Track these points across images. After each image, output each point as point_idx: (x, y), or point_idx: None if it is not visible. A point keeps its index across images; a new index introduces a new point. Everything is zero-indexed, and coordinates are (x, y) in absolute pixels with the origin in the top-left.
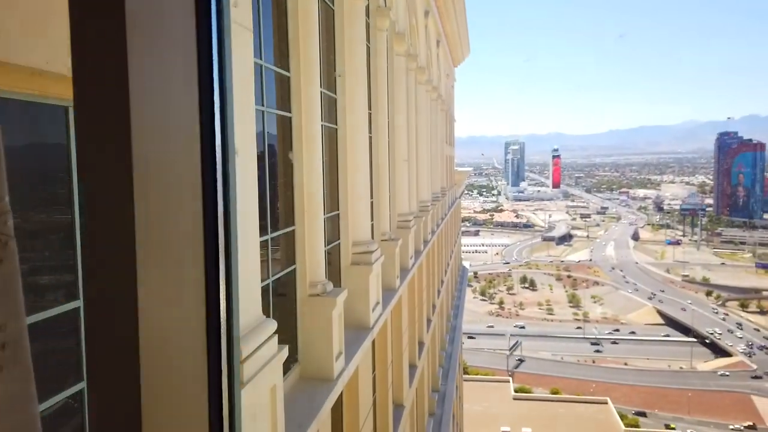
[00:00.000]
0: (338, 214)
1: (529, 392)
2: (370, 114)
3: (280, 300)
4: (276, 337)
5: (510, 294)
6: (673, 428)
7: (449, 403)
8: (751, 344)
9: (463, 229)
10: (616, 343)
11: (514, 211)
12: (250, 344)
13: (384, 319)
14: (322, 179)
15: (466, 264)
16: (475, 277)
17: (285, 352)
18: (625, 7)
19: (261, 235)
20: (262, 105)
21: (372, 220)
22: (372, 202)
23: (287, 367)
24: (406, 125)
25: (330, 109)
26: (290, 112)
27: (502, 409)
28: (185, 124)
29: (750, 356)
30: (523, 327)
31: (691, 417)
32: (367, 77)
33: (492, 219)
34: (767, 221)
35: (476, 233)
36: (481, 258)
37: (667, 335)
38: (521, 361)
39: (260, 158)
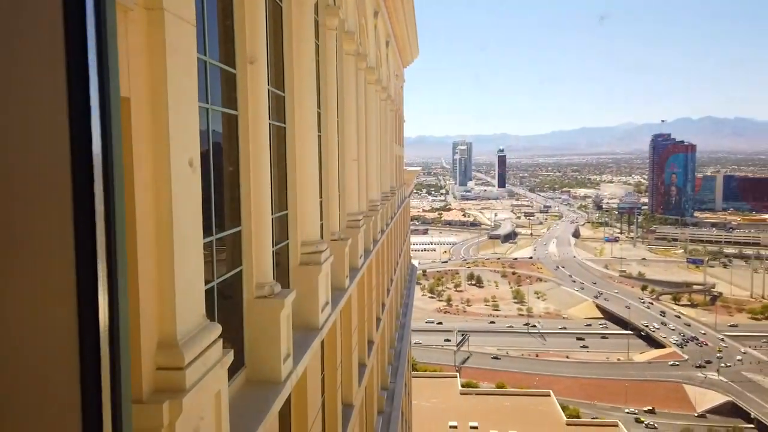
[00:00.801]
0: (286, 214)
1: (476, 387)
2: (319, 113)
3: (226, 303)
4: (221, 342)
5: (457, 291)
6: (643, 421)
7: (398, 401)
8: (683, 335)
9: (412, 227)
10: (599, 340)
11: (462, 210)
12: (192, 350)
13: (333, 320)
14: (270, 178)
15: (415, 262)
16: (424, 275)
17: (230, 356)
18: (569, 13)
19: (205, 236)
20: (207, 102)
21: (321, 219)
22: (321, 202)
23: (233, 371)
24: (355, 124)
25: (278, 107)
26: (236, 109)
27: (450, 404)
28: (49, 119)
29: (682, 347)
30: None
31: (628, 406)
32: (316, 76)
33: (440, 218)
34: (698, 219)
35: (425, 232)
36: (429, 256)
37: (605, 326)
38: (468, 356)
39: (205, 157)
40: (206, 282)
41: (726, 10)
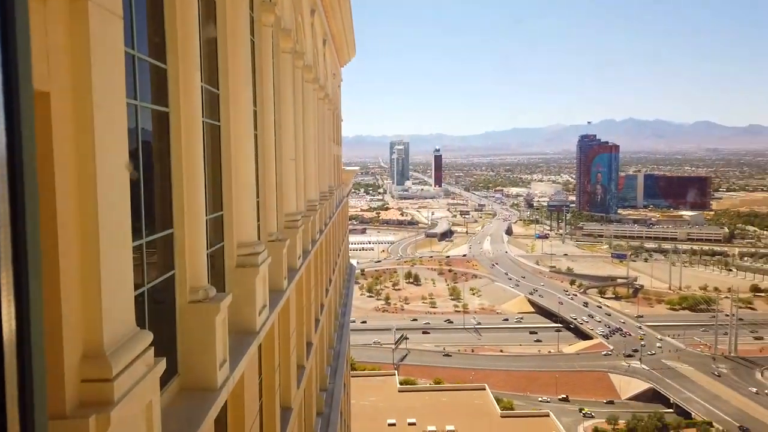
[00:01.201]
0: (222, 215)
1: (414, 384)
2: (255, 111)
3: (158, 308)
4: (152, 350)
5: (396, 289)
6: (586, 410)
7: (337, 401)
8: (609, 327)
9: (350, 227)
10: (542, 335)
11: (400, 209)
12: (121, 359)
13: (271, 322)
14: (204, 178)
15: (353, 262)
16: (363, 274)
17: (162, 364)
18: (501, 18)
19: (135, 239)
20: (136, 99)
21: (258, 220)
22: (258, 202)
23: (166, 380)
24: (293, 123)
25: (212, 105)
26: (167, 107)
27: (389, 402)
28: None
29: (607, 338)
30: (415, 320)
31: (559, 396)
32: (251, 73)
33: (378, 217)
34: (621, 216)
35: (363, 231)
36: (368, 255)
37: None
38: (407, 353)
39: (134, 156)
40: (136, 287)
41: (644, 17)
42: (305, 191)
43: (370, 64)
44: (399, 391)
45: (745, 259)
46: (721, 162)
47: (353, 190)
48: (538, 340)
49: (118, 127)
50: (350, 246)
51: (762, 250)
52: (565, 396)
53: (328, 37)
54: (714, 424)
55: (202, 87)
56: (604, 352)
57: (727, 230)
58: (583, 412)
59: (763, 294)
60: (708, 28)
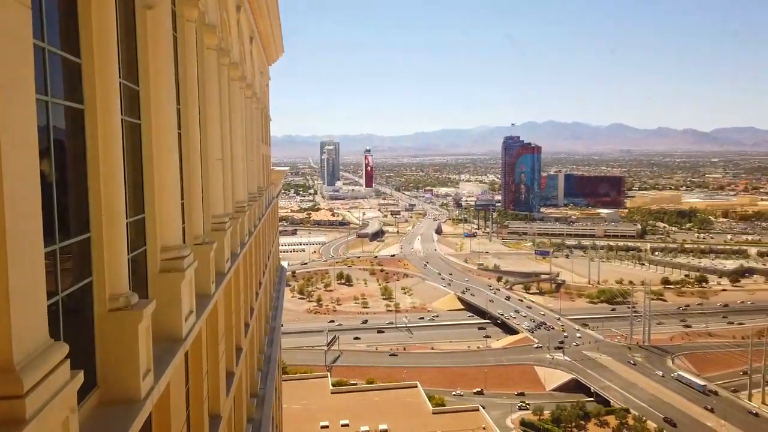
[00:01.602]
0: (144, 218)
1: (347, 385)
2: (179, 109)
3: (74, 318)
4: (68, 362)
5: (328, 291)
6: (525, 403)
7: (268, 406)
8: (534, 321)
9: (280, 228)
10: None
11: (331, 209)
12: (33, 374)
13: (198, 328)
14: (124, 180)
15: (284, 264)
16: (294, 276)
17: (80, 377)
18: (431, 21)
19: (47, 244)
20: (46, 95)
21: (183, 222)
22: (183, 204)
23: (84, 393)
24: (219, 122)
25: (132, 102)
26: (82, 103)
27: (321, 404)
28: None
29: (533, 332)
30: (340, 324)
31: (488, 390)
32: (174, 69)
33: (309, 218)
34: (543, 214)
35: (294, 232)
36: (299, 257)
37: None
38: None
39: (45, 156)
40: (50, 296)
41: (562, 26)
42: (233, 192)
43: (300, 64)
44: (332, 393)
45: (656, 253)
46: (634, 162)
47: (283, 191)
48: (487, 335)
49: (27, 124)
50: (281, 248)
51: (671, 245)
52: (480, 389)
53: (255, 34)
54: (630, 410)
55: (120, 83)
56: (536, 345)
57: (639, 227)
58: (521, 404)
59: (672, 286)
60: (620, 37)
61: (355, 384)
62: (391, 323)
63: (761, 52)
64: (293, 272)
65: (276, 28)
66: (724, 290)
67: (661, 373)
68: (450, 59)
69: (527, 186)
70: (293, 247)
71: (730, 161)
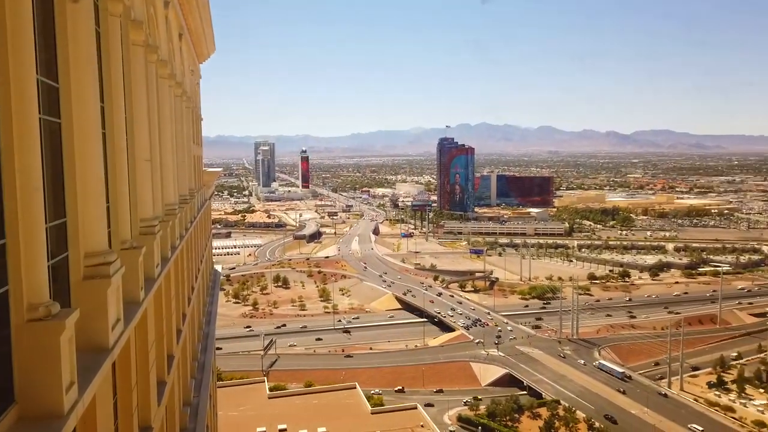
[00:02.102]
0: (65, 222)
1: (284, 389)
2: (102, 107)
3: None
4: None
5: (264, 294)
6: (468, 399)
7: (203, 415)
8: (470, 318)
9: (214, 231)
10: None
11: (266, 211)
12: None
13: (127, 337)
14: (43, 182)
15: (218, 267)
16: (228, 280)
17: None
18: (368, 23)
19: None
20: None
21: (109, 227)
22: (108, 207)
23: (1, 410)
24: (147, 122)
25: (51, 100)
26: None
27: (258, 410)
28: None
29: (468, 329)
30: (283, 325)
31: (426, 388)
32: (98, 66)
33: (244, 220)
34: (478, 214)
35: (228, 235)
36: (233, 260)
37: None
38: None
39: None
40: None
41: (492, 33)
42: (163, 194)
43: (234, 63)
44: (269, 398)
45: (583, 250)
46: (561, 163)
47: (216, 193)
48: (424, 334)
49: None
50: (215, 251)
51: (596, 242)
52: (401, 387)
53: (184, 31)
54: (561, 401)
55: (37, 80)
56: (477, 341)
57: (567, 225)
58: (465, 400)
59: (598, 281)
60: (545, 44)
61: (293, 388)
62: (330, 325)
63: (676, 59)
64: (228, 276)
65: (206, 24)
66: (645, 284)
67: (583, 361)
68: (386, 61)
69: (462, 186)
70: (228, 250)
71: (648, 162)
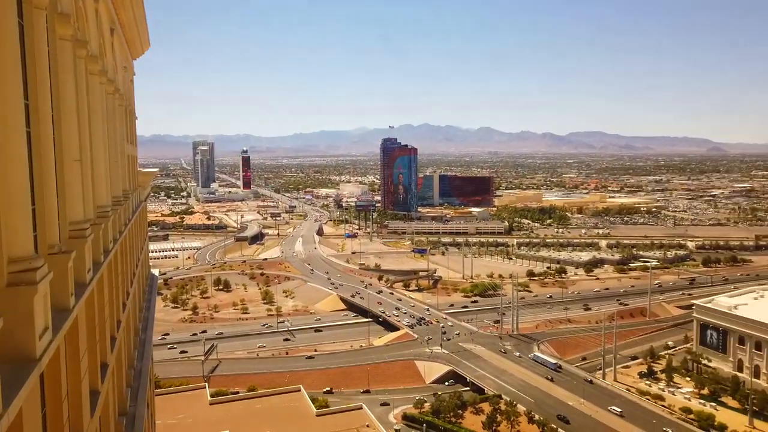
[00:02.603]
0: None
1: (226, 394)
2: (27, 105)
3: None
4: None
5: (204, 298)
6: (420, 397)
7: (140, 424)
8: (414, 317)
9: (150, 233)
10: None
11: (206, 212)
12: None
13: (56, 346)
14: None
15: (155, 271)
16: (166, 284)
17: None
18: (311, 23)
19: None
20: None
21: (35, 230)
22: (34, 210)
23: None
24: (76, 120)
25: None
26: None
27: (199, 417)
28: None
29: (413, 327)
30: (221, 333)
31: (371, 388)
32: (21, 61)
33: (183, 222)
34: (421, 213)
35: (165, 237)
36: (172, 263)
37: (348, 316)
38: (218, 364)
39: None
40: None
41: (433, 36)
42: (94, 196)
43: (170, 60)
44: (210, 404)
45: (522, 248)
46: (501, 163)
47: (153, 194)
48: (369, 334)
49: None
50: (151, 254)
51: (534, 240)
52: (329, 389)
53: (116, 25)
54: (503, 396)
55: None
56: (423, 339)
57: (507, 224)
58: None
59: (536, 278)
60: (483, 48)
61: (236, 393)
62: (273, 328)
63: (609, 64)
64: (166, 280)
65: (140, 19)
66: (580, 280)
67: (518, 354)
68: (329, 61)
69: (405, 186)
70: (165, 253)
71: (582, 162)
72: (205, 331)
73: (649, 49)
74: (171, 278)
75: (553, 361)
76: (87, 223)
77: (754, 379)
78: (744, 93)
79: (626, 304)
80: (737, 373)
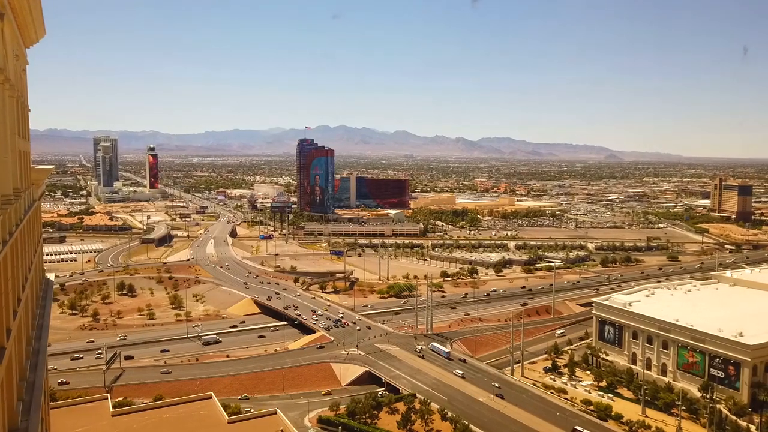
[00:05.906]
0: None
1: (131, 405)
2: None
3: None
4: None
5: (106, 303)
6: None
7: None
8: (330, 319)
9: (45, 235)
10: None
11: (108, 213)
12: None
13: None
14: None
15: (50, 276)
16: (63, 289)
17: None
18: (222, 17)
19: None
20: None
21: None
22: None
23: None
24: None
25: None
26: None
27: (101, 430)
28: None
29: (329, 330)
30: (124, 337)
31: (286, 392)
32: None
33: (82, 223)
34: (338, 215)
35: (63, 239)
36: (70, 267)
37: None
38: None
39: None
40: None
41: (351, 39)
42: None
43: (67, 48)
44: (113, 416)
45: (436, 249)
46: (416, 166)
47: (48, 193)
48: (284, 337)
49: None
50: (46, 257)
51: (448, 242)
52: (246, 395)
53: (6, 10)
54: (417, 395)
55: None
56: (339, 341)
57: (422, 226)
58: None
59: (450, 278)
60: (400, 54)
61: (142, 403)
62: (182, 334)
63: (517, 74)
64: (62, 285)
65: (34, 4)
66: (491, 280)
67: (419, 348)
68: (243, 58)
69: (322, 188)
70: (62, 256)
71: (493, 167)
72: (128, 336)
73: (552, 62)
74: (68, 283)
75: (446, 349)
76: None
77: (646, 371)
78: (635, 104)
79: (528, 303)
80: (632, 366)
